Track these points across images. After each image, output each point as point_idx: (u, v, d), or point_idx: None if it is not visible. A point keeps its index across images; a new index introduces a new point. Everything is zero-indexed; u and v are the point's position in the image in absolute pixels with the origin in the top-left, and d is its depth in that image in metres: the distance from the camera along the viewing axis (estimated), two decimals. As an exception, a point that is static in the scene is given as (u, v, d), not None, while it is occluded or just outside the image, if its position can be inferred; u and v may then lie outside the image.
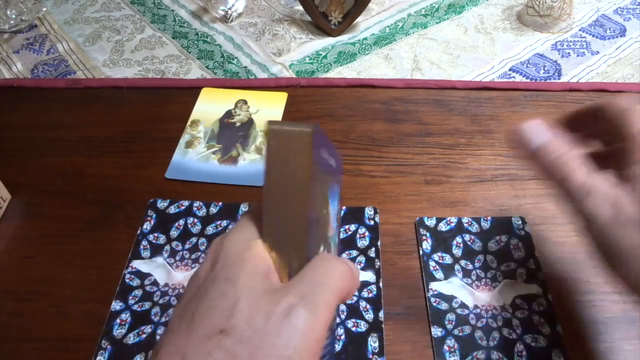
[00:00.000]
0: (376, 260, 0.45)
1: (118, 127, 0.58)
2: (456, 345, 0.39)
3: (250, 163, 0.53)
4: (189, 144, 0.55)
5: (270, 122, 0.25)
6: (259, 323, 0.21)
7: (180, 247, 0.46)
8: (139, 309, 0.42)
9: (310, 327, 0.21)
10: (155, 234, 0.47)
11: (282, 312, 0.21)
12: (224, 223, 0.48)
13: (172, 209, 0.49)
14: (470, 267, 0.44)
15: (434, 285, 0.43)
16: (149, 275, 0.44)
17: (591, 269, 0.44)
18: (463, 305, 0.42)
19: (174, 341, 0.22)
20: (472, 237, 0.46)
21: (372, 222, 0.47)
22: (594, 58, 0.66)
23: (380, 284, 0.43)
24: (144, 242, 0.47)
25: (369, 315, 0.41)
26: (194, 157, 0.54)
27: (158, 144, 0.55)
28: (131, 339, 0.41)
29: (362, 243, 0.46)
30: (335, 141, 0.55)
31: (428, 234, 0.46)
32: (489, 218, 0.47)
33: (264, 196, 0.24)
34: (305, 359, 0.21)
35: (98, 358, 0.39)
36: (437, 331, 0.40)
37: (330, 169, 0.29)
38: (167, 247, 0.46)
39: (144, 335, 0.41)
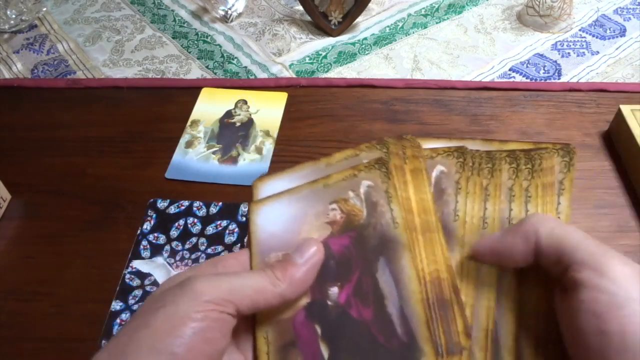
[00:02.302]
0: None
1: (118, 127, 0.58)
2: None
3: (250, 163, 0.53)
4: (189, 144, 0.55)
5: None
6: None
7: (180, 247, 0.46)
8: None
9: None
10: (155, 234, 0.47)
11: None
12: (224, 223, 0.48)
13: (172, 209, 0.49)
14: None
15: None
16: (149, 275, 0.44)
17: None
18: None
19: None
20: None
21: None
22: (594, 58, 0.66)
23: None
24: (144, 242, 0.47)
25: None
26: (194, 157, 0.54)
27: (158, 144, 0.55)
28: (131, 339, 0.41)
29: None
30: (335, 141, 0.55)
31: None
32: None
33: None
34: None
35: (98, 358, 0.39)
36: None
37: None
38: (167, 247, 0.46)
39: (144, 335, 0.41)
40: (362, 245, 0.28)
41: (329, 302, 0.28)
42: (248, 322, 0.28)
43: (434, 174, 0.30)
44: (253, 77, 0.65)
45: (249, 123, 0.58)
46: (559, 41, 0.69)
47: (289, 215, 0.29)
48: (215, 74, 0.66)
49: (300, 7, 0.71)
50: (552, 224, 0.25)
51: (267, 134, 0.56)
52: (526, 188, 0.30)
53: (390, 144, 0.30)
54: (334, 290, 0.28)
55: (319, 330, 0.27)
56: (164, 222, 0.48)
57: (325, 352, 0.27)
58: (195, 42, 0.70)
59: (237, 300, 0.24)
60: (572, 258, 0.23)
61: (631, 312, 0.20)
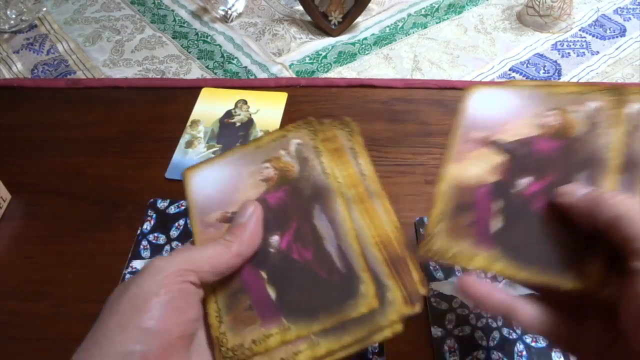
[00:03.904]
0: None
1: (118, 127, 0.58)
2: (456, 345, 0.40)
3: (250, 163, 0.53)
4: (189, 144, 0.55)
5: None
6: None
7: (180, 247, 0.46)
8: (139, 309, 0.42)
9: None
10: (155, 234, 0.47)
11: None
12: (224, 223, 0.48)
13: (172, 209, 0.49)
14: None
15: (433, 285, 0.43)
16: (149, 275, 0.44)
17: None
18: (463, 305, 0.42)
19: None
20: None
21: None
22: (594, 58, 0.66)
23: None
24: (144, 242, 0.47)
25: None
26: (194, 157, 0.54)
27: (158, 144, 0.55)
28: (131, 339, 0.41)
29: None
30: (335, 141, 0.55)
31: None
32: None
33: None
34: None
35: (98, 358, 0.40)
36: (437, 331, 0.40)
37: None
38: (167, 247, 0.46)
39: (144, 335, 0.41)
40: (297, 196, 0.31)
41: (271, 250, 0.30)
42: None
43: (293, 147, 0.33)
44: (253, 77, 0.65)
45: (249, 123, 0.58)
46: (559, 41, 0.69)
47: (223, 177, 0.32)
48: (215, 74, 0.66)
49: (300, 7, 0.71)
50: (631, 207, 0.25)
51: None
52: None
53: (314, 123, 0.33)
54: (275, 239, 0.30)
55: (264, 275, 0.30)
56: (164, 222, 0.48)
57: (272, 293, 0.29)
58: (195, 42, 0.70)
59: (196, 268, 0.27)
60: (636, 246, 0.23)
61: None
